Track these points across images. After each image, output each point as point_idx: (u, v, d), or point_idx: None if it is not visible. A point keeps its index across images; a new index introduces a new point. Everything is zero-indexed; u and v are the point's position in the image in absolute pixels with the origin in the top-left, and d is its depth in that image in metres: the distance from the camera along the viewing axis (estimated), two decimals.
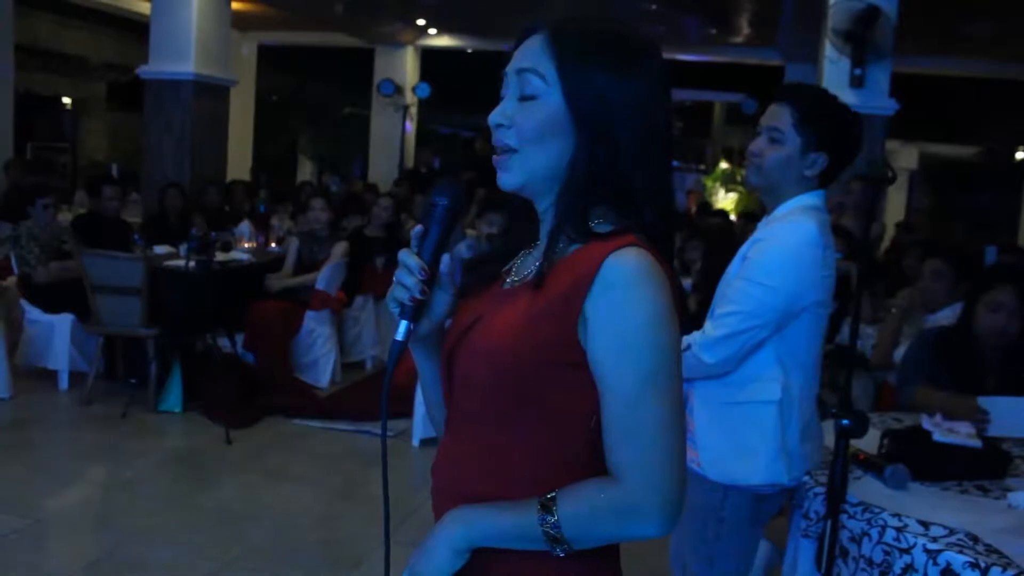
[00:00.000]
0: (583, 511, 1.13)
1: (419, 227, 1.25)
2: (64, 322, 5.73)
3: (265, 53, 14.36)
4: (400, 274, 1.22)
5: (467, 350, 1.23)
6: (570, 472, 1.18)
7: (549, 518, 1.13)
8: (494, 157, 1.23)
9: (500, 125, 1.22)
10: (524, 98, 1.21)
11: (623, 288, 1.13)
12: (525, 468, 1.19)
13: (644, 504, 1.12)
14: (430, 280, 1.22)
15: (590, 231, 1.20)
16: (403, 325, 1.23)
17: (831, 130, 2.24)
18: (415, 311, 1.23)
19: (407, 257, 1.22)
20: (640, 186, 1.20)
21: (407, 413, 5.19)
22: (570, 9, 1.24)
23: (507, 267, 1.32)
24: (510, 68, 1.24)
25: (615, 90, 1.18)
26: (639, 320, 1.13)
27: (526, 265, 1.28)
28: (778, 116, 2.26)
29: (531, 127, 1.20)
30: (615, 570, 1.25)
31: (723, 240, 4.22)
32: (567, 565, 1.17)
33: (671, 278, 1.17)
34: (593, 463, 1.18)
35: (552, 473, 1.18)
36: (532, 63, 1.20)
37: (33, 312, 5.79)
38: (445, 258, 1.23)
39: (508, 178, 1.23)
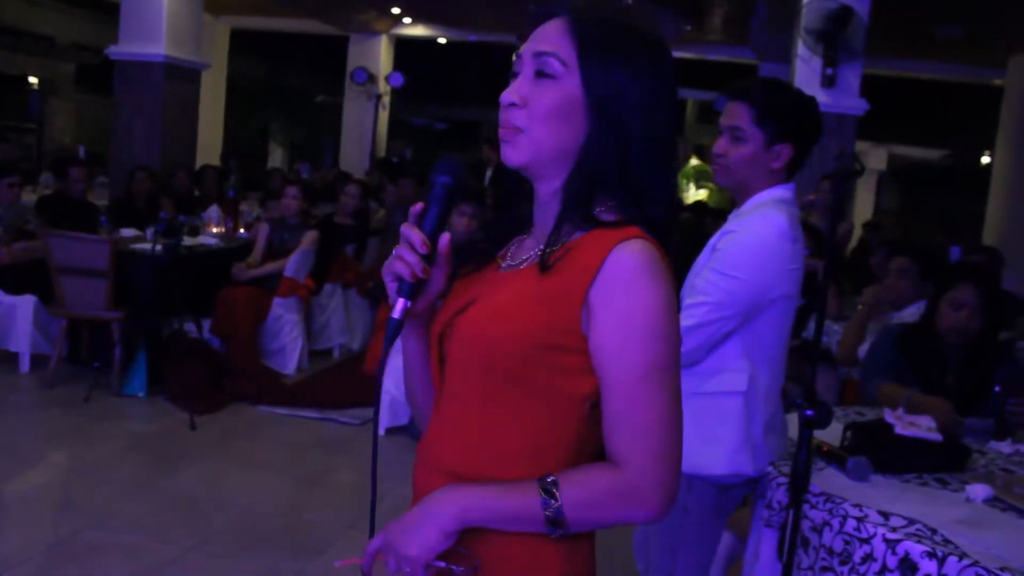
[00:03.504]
0: (585, 496, 1.15)
1: (418, 205, 1.23)
2: (26, 303, 5.65)
3: (238, 38, 14.22)
4: (401, 249, 1.20)
5: (462, 331, 1.22)
6: (558, 454, 1.19)
7: (552, 503, 1.14)
8: (500, 131, 1.23)
9: (512, 104, 1.21)
10: (540, 79, 1.21)
11: (629, 279, 1.14)
12: (514, 448, 1.19)
13: (645, 489, 1.14)
14: (430, 257, 1.20)
15: (595, 219, 1.21)
16: (400, 304, 1.20)
17: (791, 119, 2.26)
18: (413, 288, 1.20)
19: (409, 232, 1.20)
20: (647, 181, 1.21)
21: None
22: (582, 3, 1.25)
23: (502, 251, 1.32)
24: (525, 50, 1.23)
25: (632, 84, 1.19)
26: (643, 311, 1.14)
27: (524, 250, 1.28)
28: (737, 114, 2.27)
29: (544, 107, 1.20)
30: (591, 549, 1.26)
31: (693, 234, 4.26)
32: (549, 546, 1.18)
33: (672, 272, 1.18)
34: (585, 445, 1.20)
35: (540, 454, 1.19)
36: (552, 47, 1.20)
37: None
38: (444, 236, 1.21)
39: (514, 155, 1.22)
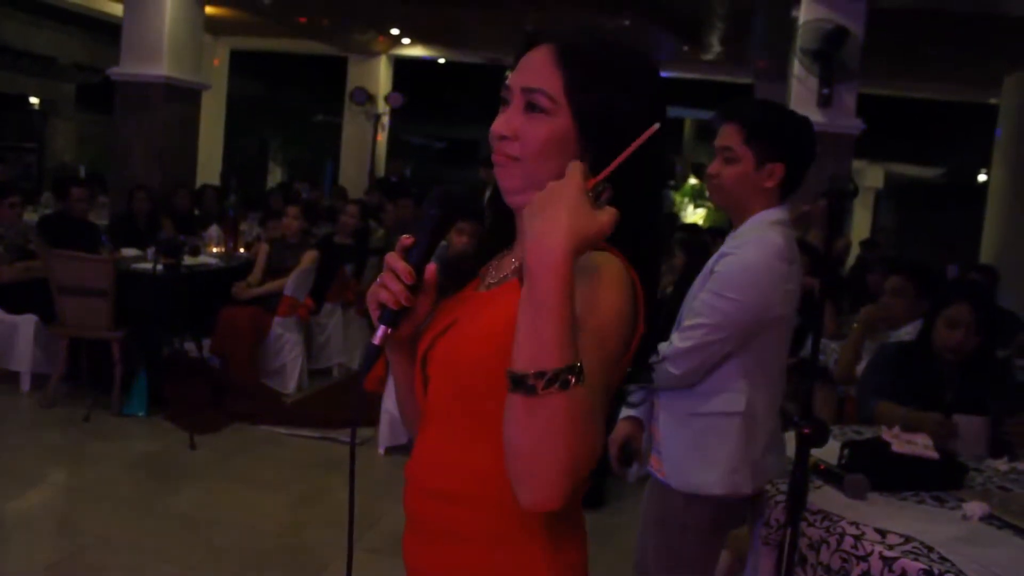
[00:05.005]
0: (532, 422, 0.99)
1: (405, 237, 1.24)
2: (27, 323, 5.66)
3: (238, 58, 14.31)
4: (386, 278, 1.21)
5: (442, 354, 1.24)
6: None
7: (539, 375, 0.98)
8: (494, 157, 1.23)
9: (503, 137, 1.22)
10: (531, 111, 1.20)
11: (589, 287, 1.12)
12: (496, 467, 1.20)
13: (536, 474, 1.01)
14: (414, 287, 1.21)
15: None
16: (380, 331, 1.21)
17: (781, 138, 2.29)
18: (396, 317, 1.22)
19: (394, 261, 1.21)
20: (634, 205, 1.20)
21: (373, 421, 5.18)
22: (553, 23, 1.25)
23: (484, 267, 1.34)
24: (513, 82, 1.23)
25: (622, 108, 1.19)
26: (595, 315, 1.10)
27: (503, 266, 1.29)
28: (728, 135, 2.30)
29: (537, 142, 1.20)
30: (582, 562, 1.26)
31: (701, 254, 4.27)
32: (536, 553, 1.19)
33: (640, 289, 1.17)
34: None
35: None
36: (539, 82, 1.20)
37: None
38: (430, 266, 1.23)
39: (508, 181, 1.23)
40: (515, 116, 1.22)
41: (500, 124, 1.22)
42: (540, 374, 0.98)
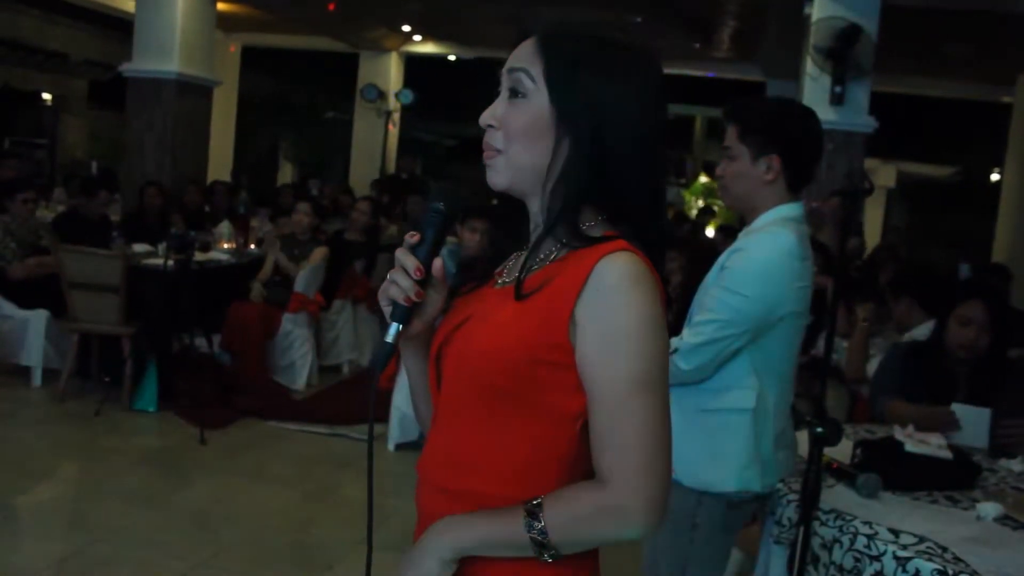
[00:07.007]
0: (569, 515, 1.14)
1: (413, 232, 1.25)
2: (39, 318, 5.68)
3: (249, 55, 14.32)
4: (395, 273, 1.21)
5: (456, 349, 1.23)
6: (551, 472, 1.19)
7: (536, 524, 1.13)
8: (484, 156, 1.24)
9: (489, 126, 1.24)
10: (513, 98, 1.22)
11: (614, 292, 1.14)
12: (506, 466, 1.20)
13: (629, 506, 1.12)
14: (424, 282, 1.22)
15: (581, 235, 1.21)
16: (393, 327, 1.22)
17: (772, 130, 2.27)
18: (407, 313, 1.22)
19: (403, 257, 1.21)
20: (632, 194, 1.21)
21: (382, 418, 5.18)
22: (559, 18, 1.26)
23: (499, 268, 1.33)
24: (504, 68, 1.25)
25: (604, 94, 1.19)
26: (629, 324, 1.13)
27: (518, 267, 1.28)
28: (728, 135, 2.32)
29: (517, 126, 1.21)
30: (595, 571, 1.25)
31: (706, 253, 4.27)
32: (549, 569, 1.17)
33: (660, 285, 1.18)
34: (578, 463, 1.19)
35: (536, 471, 1.19)
36: (522, 63, 1.22)
37: (7, 307, 5.74)
38: (437, 261, 1.23)
39: (495, 178, 1.24)
40: (499, 105, 1.24)
41: (485, 113, 1.25)
42: (533, 540, 1.14)
